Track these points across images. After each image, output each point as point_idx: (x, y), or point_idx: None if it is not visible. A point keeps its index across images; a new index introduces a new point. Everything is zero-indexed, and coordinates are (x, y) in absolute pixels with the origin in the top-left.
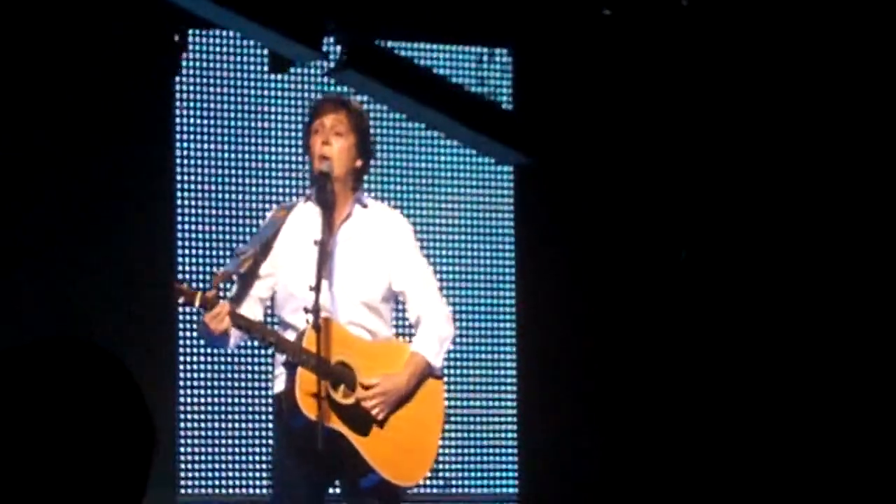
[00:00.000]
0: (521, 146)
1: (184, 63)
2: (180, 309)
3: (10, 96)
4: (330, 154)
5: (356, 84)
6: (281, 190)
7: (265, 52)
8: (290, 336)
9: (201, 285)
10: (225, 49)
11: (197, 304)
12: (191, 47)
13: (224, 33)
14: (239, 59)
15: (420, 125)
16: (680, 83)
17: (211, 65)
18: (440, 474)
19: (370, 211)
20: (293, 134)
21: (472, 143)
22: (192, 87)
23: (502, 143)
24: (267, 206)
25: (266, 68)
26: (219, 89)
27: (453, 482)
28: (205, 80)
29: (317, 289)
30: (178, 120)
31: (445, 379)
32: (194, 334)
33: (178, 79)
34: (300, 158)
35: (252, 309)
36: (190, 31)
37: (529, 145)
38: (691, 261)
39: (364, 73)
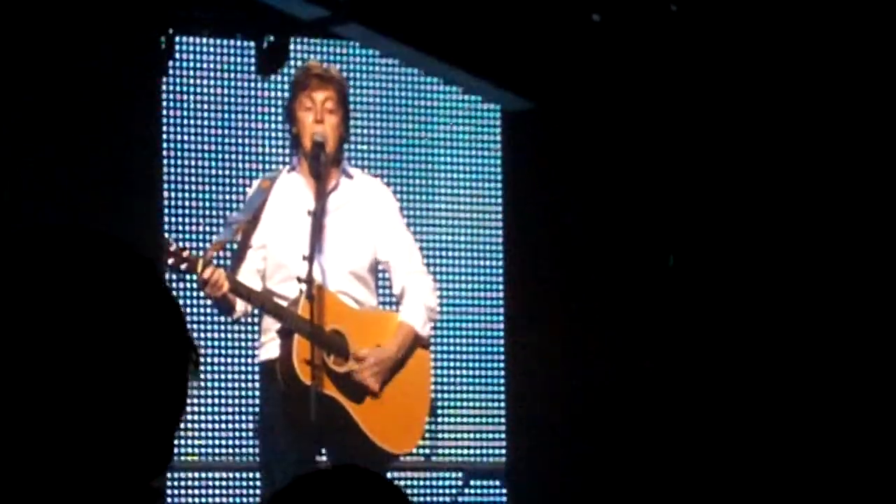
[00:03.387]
0: (522, 90)
1: (171, 66)
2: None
3: (2, 97)
4: (324, 132)
5: (359, 36)
6: None
7: (251, 54)
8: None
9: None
10: (211, 53)
11: (199, 270)
12: (178, 51)
13: (211, 38)
14: (225, 62)
15: (408, 88)
16: (669, 88)
17: (197, 67)
18: (431, 443)
19: (356, 181)
20: (278, 134)
21: (477, 90)
22: (179, 90)
23: (505, 88)
24: None
25: (252, 70)
26: (205, 90)
27: (442, 450)
28: (191, 84)
29: (310, 258)
30: (164, 122)
31: (435, 347)
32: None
33: (164, 80)
34: (285, 158)
35: (251, 280)
36: (177, 36)
37: (530, 89)
38: (679, 256)
39: (367, 25)
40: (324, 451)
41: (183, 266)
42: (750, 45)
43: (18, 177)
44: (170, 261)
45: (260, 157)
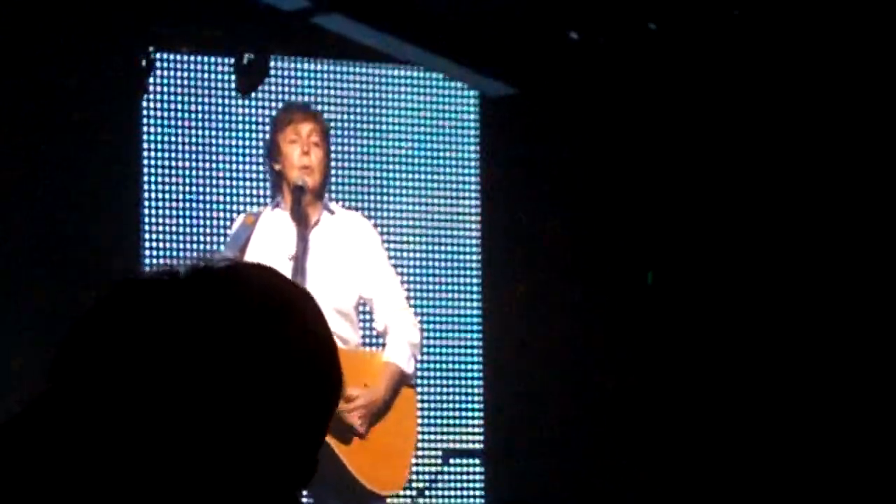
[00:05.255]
0: (506, 76)
1: (150, 84)
2: None
3: None
4: (310, 164)
5: (340, 27)
6: (244, 205)
7: (231, 73)
8: None
9: None
10: (190, 71)
11: None
12: (157, 68)
13: (190, 55)
14: (205, 79)
15: (388, 99)
16: (648, 105)
17: (177, 84)
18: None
19: (337, 217)
20: (256, 151)
21: (459, 77)
22: (158, 107)
23: (487, 74)
24: (232, 216)
25: (230, 88)
26: (184, 107)
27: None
28: (171, 100)
29: None
30: (144, 139)
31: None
32: None
33: (144, 97)
34: (263, 174)
35: None
36: (157, 54)
37: (514, 75)
38: (658, 280)
39: (348, 14)
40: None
41: None
42: (726, 59)
43: None
44: None
45: (239, 174)
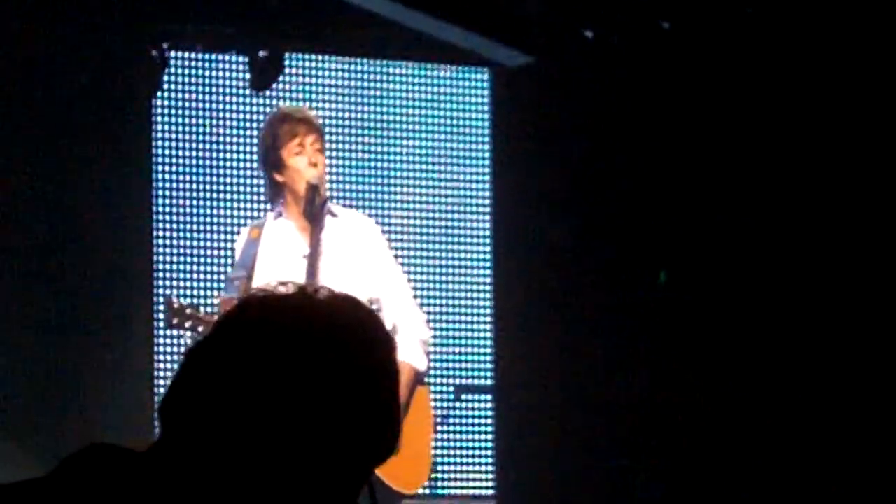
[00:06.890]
0: (522, 45)
1: (164, 81)
2: (156, 323)
3: None
4: (320, 173)
5: None
6: (256, 203)
7: (245, 70)
8: None
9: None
10: (204, 68)
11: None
12: (171, 65)
13: (204, 52)
14: (219, 77)
15: (398, 96)
16: (661, 104)
17: (191, 81)
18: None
19: (340, 219)
20: None
21: (474, 46)
22: (172, 104)
23: (503, 43)
24: (244, 216)
25: (244, 86)
26: (198, 105)
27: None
28: (185, 98)
29: None
30: (157, 135)
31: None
32: (170, 350)
33: (158, 95)
34: None
35: None
36: (170, 51)
37: (529, 43)
38: (671, 281)
39: None
40: None
41: (188, 324)
42: (739, 57)
43: (7, 191)
44: (174, 320)
45: (253, 171)
